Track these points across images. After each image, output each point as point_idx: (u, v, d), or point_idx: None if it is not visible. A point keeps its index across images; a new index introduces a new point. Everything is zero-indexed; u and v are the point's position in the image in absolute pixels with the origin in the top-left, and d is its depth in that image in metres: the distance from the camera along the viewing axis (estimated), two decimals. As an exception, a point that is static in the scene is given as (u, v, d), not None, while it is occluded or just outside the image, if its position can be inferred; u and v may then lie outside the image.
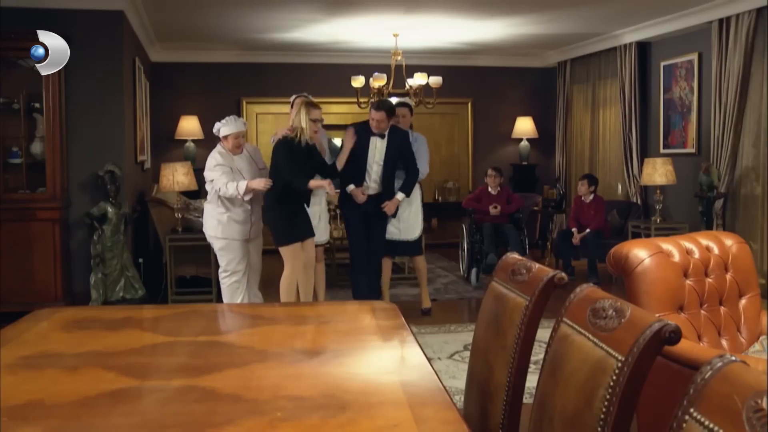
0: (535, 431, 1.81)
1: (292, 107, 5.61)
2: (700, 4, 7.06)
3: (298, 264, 5.09)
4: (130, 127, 7.01)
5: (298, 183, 5.00)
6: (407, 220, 6.00)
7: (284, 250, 5.07)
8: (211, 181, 5.00)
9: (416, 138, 6.09)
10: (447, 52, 9.63)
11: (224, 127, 5.01)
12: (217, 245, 5.15)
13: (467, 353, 4.56)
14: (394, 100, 7.57)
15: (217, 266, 5.35)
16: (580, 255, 7.66)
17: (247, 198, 4.96)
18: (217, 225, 5.07)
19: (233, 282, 5.13)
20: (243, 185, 4.89)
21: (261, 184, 4.92)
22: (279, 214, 5.05)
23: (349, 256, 6.13)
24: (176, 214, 6.50)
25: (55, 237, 6.03)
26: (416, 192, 6.06)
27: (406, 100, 6.56)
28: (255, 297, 5.29)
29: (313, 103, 5.14)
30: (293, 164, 4.98)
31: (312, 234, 5.22)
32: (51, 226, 6.02)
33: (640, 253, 2.82)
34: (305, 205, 5.15)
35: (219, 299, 5.94)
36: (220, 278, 5.22)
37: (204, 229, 5.24)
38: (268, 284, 7.55)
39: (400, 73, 8.09)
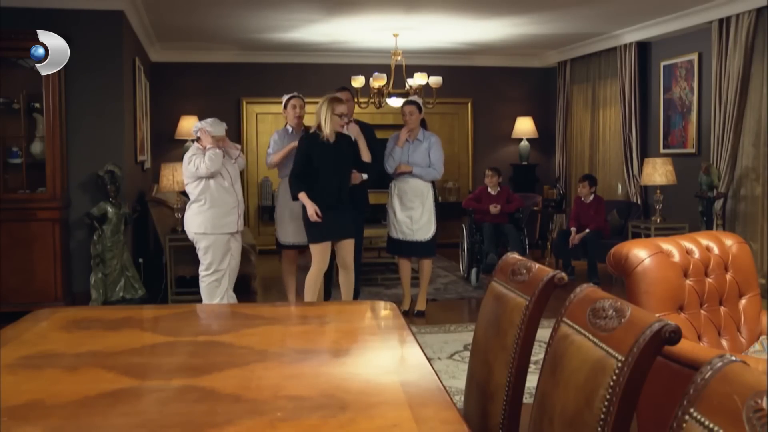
0: (535, 431, 1.81)
1: (284, 108, 5.61)
2: (700, 4, 7.06)
3: (324, 263, 5.12)
4: (130, 127, 7.00)
5: (292, 187, 5.05)
6: (419, 221, 5.93)
7: (312, 248, 5.13)
8: (192, 175, 5.00)
9: (428, 137, 6.05)
10: (447, 52, 9.62)
11: (210, 128, 5.04)
12: (203, 243, 5.08)
13: (467, 353, 4.56)
14: (401, 100, 7.54)
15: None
16: (580, 255, 7.66)
17: (209, 146, 4.97)
18: (203, 221, 5.03)
19: (213, 281, 5.11)
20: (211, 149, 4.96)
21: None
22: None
23: None
24: (176, 214, 6.50)
25: (55, 237, 6.03)
26: (429, 191, 6.03)
27: (415, 98, 6.40)
28: (230, 298, 5.24)
29: (338, 99, 5.12)
30: (300, 164, 5.02)
31: (348, 235, 5.17)
32: (51, 226, 6.01)
33: (640, 253, 2.82)
34: (339, 204, 5.09)
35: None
36: (200, 277, 5.19)
37: (187, 229, 5.17)
38: (270, 285, 7.56)
39: (400, 73, 8.09)
